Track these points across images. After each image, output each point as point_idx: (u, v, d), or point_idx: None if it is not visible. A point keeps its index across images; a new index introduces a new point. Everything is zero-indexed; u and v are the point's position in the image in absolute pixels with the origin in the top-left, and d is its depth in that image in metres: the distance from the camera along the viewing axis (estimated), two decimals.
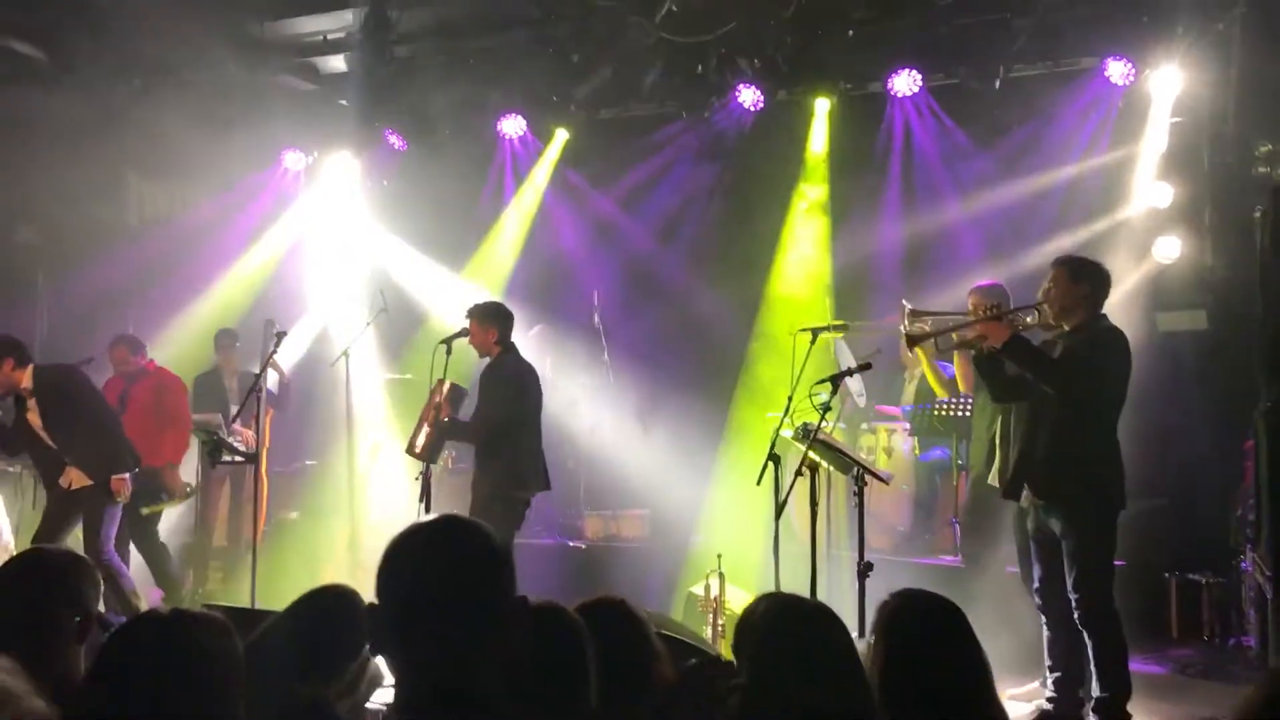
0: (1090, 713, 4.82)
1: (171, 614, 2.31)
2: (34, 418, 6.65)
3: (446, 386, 6.45)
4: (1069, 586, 4.87)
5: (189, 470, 8.22)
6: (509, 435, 6.34)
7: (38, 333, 9.56)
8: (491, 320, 6.44)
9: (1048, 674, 5.20)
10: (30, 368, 6.63)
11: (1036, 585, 5.19)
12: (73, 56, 8.87)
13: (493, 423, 6.35)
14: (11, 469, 8.20)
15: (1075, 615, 4.85)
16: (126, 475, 6.68)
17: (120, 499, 6.69)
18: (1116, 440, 5.02)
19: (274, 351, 7.02)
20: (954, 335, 5.55)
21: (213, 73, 8.96)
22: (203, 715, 2.19)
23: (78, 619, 2.95)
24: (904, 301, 5.68)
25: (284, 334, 7.06)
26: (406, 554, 1.89)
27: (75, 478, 6.65)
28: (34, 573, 3.03)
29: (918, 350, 6.23)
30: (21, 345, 6.69)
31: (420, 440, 6.46)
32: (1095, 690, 4.80)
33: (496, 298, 7.26)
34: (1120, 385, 5.05)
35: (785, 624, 2.76)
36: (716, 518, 7.83)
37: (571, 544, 8.21)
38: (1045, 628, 5.18)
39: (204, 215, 10.15)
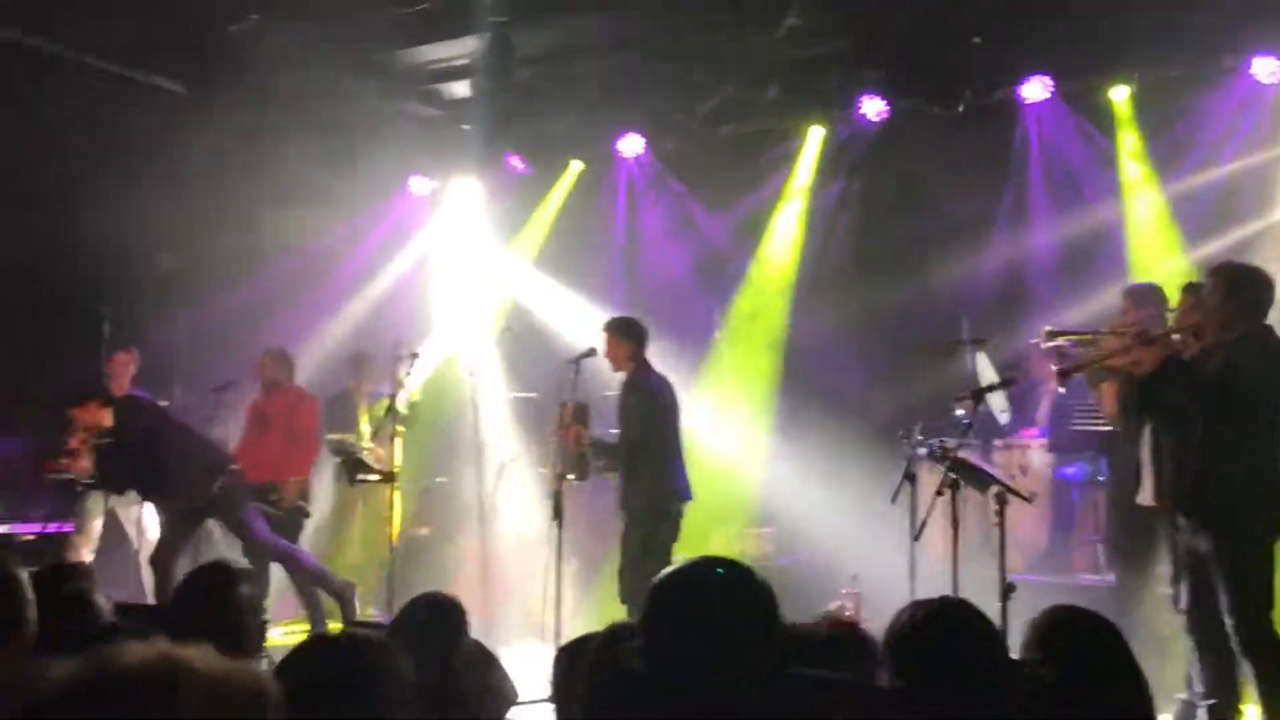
0: None
1: (344, 636, 2.36)
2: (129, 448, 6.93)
3: (571, 407, 6.50)
4: (1224, 611, 4.61)
5: (324, 489, 8.43)
6: (655, 448, 6.37)
7: (179, 359, 9.92)
8: (625, 334, 6.49)
9: (1198, 701, 4.92)
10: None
11: (1184, 608, 4.93)
12: (211, 89, 9.21)
13: (636, 436, 6.38)
14: None
15: (1232, 643, 4.59)
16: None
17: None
18: (1277, 458, 4.72)
19: (409, 372, 7.16)
20: (1103, 363, 5.25)
21: (342, 102, 9.21)
22: None
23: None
24: (1046, 326, 5.49)
25: (416, 355, 7.20)
26: (684, 597, 1.93)
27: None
28: (224, 580, 3.13)
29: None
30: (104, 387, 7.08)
31: (564, 463, 6.53)
32: None
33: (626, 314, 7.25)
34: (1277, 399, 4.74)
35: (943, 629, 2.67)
36: (845, 536, 7.70)
37: None
38: (1194, 652, 4.91)
39: (334, 241, 10.44)
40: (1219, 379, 4.68)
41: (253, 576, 3.20)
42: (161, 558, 6.81)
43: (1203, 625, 4.79)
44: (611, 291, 9.37)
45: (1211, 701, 4.86)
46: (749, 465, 8.40)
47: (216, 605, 2.99)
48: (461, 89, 9.57)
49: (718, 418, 8.63)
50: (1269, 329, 4.82)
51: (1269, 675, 4.52)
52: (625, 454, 6.53)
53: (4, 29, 8.12)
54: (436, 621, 3.20)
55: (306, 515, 7.83)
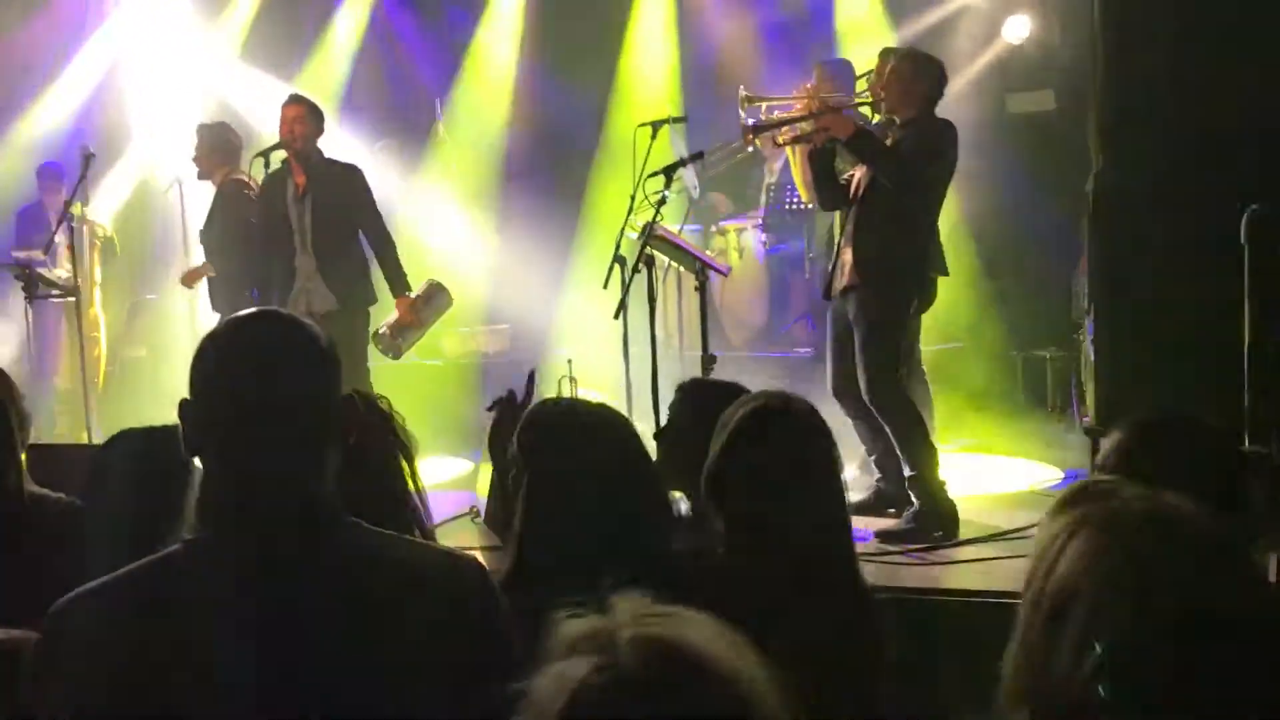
0: (908, 490, 4.84)
1: None
2: None
3: None
4: (859, 368, 4.82)
5: (16, 310, 7.80)
6: None
7: None
8: None
9: (868, 457, 5.22)
10: None
11: (830, 376, 5.13)
12: None
13: None
14: None
15: (865, 398, 4.82)
16: None
17: None
18: (932, 234, 4.98)
19: (82, 177, 6.57)
20: (795, 126, 5.30)
21: None
22: None
23: None
24: (741, 88, 5.47)
25: (91, 156, 6.58)
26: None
27: None
28: None
29: (789, 151, 6.10)
30: None
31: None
32: (905, 470, 4.83)
33: (324, 106, 6.71)
34: (946, 179, 4.99)
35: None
36: (575, 326, 7.74)
37: (428, 362, 8.07)
38: (850, 418, 5.09)
39: (13, 35, 9.31)
40: (902, 155, 4.84)
41: None
42: None
43: (848, 391, 4.97)
44: (326, 81, 8.81)
45: (876, 455, 5.10)
46: (476, 261, 8.25)
47: None
48: None
49: (442, 213, 8.39)
50: (935, 116, 4.98)
51: (899, 425, 4.79)
52: None
53: None
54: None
55: None
